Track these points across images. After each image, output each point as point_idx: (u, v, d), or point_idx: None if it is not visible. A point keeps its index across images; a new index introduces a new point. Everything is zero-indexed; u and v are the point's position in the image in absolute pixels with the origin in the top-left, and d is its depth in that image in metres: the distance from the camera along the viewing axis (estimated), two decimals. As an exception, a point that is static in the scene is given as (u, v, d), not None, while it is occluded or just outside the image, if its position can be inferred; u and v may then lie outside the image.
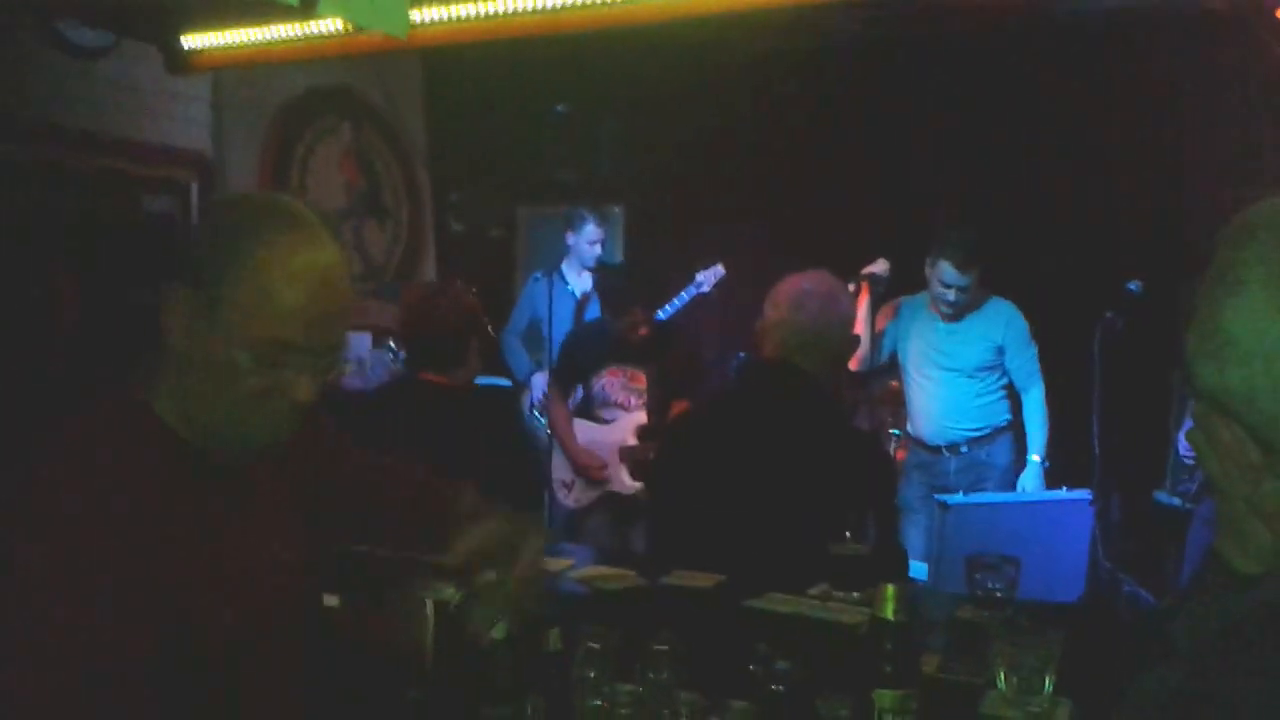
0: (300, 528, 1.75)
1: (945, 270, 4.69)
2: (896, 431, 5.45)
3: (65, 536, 1.39)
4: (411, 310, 3.55)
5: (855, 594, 2.37)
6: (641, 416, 5.29)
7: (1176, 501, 4.87)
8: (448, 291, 3.41)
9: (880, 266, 4.80)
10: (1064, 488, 4.42)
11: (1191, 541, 4.74)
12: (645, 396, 5.31)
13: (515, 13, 3.62)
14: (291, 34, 4.08)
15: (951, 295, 4.71)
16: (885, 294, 4.86)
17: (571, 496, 5.37)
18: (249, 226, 1.50)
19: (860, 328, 4.69)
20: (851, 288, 4.72)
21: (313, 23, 3.92)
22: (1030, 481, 4.73)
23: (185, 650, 1.46)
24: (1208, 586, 1.14)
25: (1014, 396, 4.87)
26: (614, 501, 5.36)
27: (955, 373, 4.81)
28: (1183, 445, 4.80)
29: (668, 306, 5.77)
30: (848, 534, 2.45)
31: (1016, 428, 4.87)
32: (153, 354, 1.54)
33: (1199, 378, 1.09)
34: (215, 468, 1.57)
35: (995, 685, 1.89)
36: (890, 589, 1.74)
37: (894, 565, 2.65)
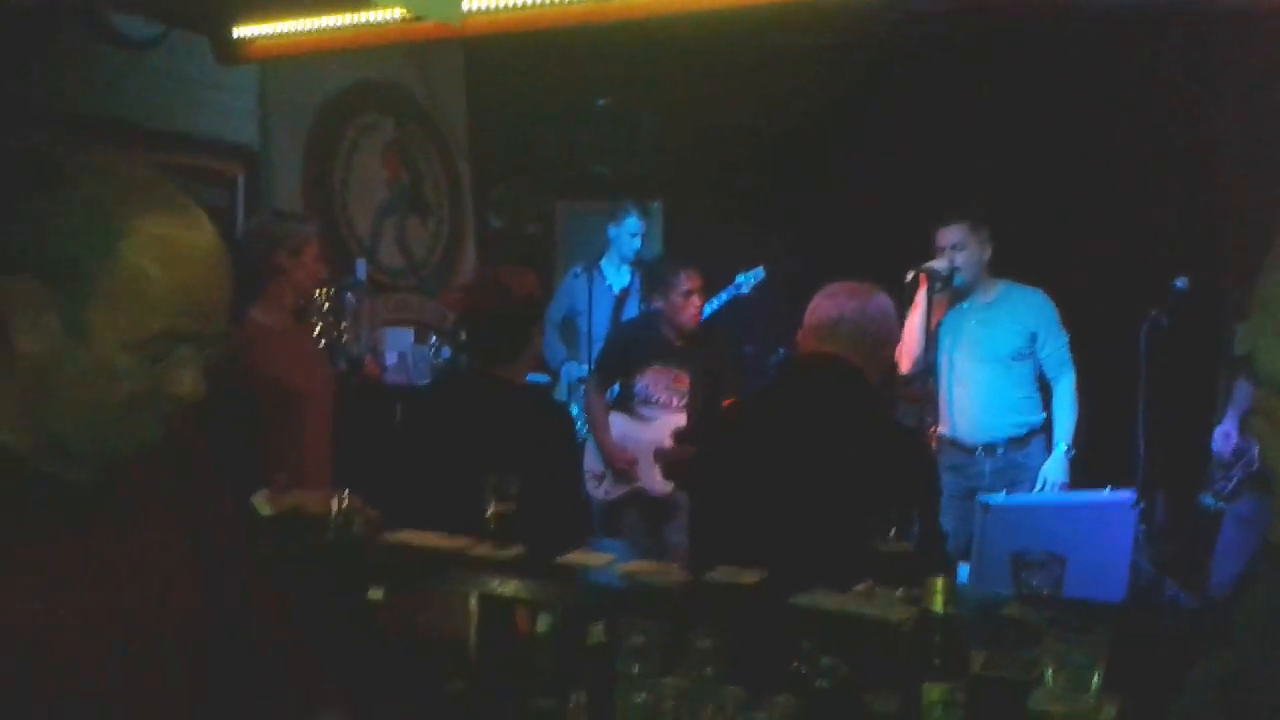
0: (178, 554, 1.46)
1: (937, 233, 4.74)
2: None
3: None
4: (471, 300, 3.46)
5: (899, 591, 2.36)
6: (680, 418, 5.29)
7: (1210, 501, 4.82)
8: (506, 279, 3.33)
9: (940, 262, 4.74)
10: (1108, 489, 4.36)
11: (1223, 540, 4.69)
12: (687, 398, 5.31)
13: (562, 2, 3.62)
14: (342, 23, 4.10)
15: (945, 261, 4.71)
16: (944, 290, 4.80)
17: (602, 488, 5.39)
18: (115, 207, 1.27)
19: (915, 324, 4.65)
20: (909, 276, 4.68)
21: (363, 13, 3.94)
22: (1054, 471, 4.67)
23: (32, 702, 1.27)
24: (1264, 576, 1.13)
25: (1046, 395, 4.82)
26: (645, 498, 5.37)
27: (991, 362, 4.76)
28: (1218, 441, 4.75)
29: (706, 306, 5.77)
30: (892, 530, 2.44)
31: (1050, 429, 4.82)
32: None
33: (1261, 360, 1.08)
34: (62, 485, 1.34)
35: (1043, 682, 1.87)
36: (939, 582, 1.74)
37: (939, 562, 2.64)
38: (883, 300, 3.04)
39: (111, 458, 1.37)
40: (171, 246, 1.28)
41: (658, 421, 5.33)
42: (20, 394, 1.31)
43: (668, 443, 5.29)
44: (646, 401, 5.37)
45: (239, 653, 1.54)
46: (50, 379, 1.29)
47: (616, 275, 6.31)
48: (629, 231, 6.21)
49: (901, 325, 4.51)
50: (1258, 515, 4.58)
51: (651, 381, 5.34)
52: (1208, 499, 4.83)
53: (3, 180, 1.31)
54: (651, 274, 5.65)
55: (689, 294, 5.19)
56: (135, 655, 1.37)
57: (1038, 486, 4.68)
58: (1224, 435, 4.75)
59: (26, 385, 1.30)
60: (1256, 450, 4.47)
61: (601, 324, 6.10)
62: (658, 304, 5.32)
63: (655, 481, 5.32)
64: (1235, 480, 4.71)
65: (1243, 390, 4.69)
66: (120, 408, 1.31)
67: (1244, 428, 4.64)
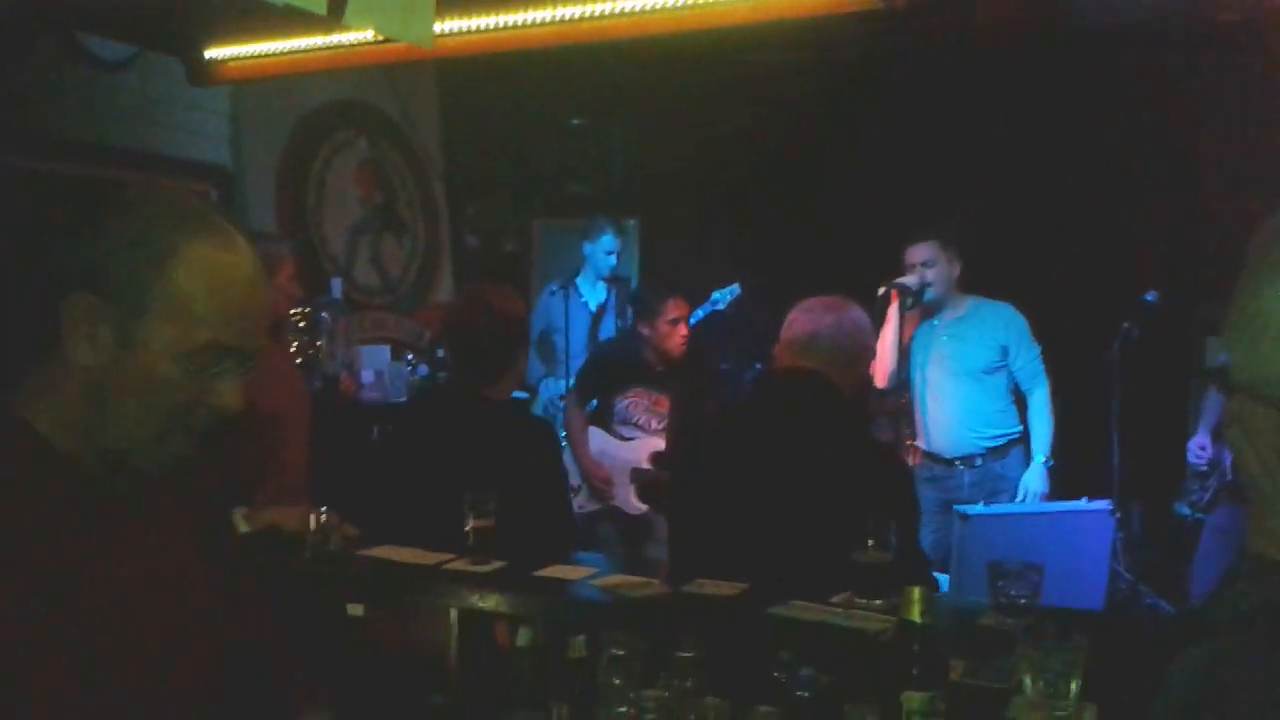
0: (203, 552, 1.59)
1: (906, 250, 4.76)
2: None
3: None
4: (456, 319, 3.42)
5: (878, 601, 2.37)
6: (659, 441, 5.29)
7: (1186, 511, 4.85)
8: (493, 299, 3.29)
9: (911, 278, 4.77)
10: (1084, 498, 4.39)
11: (1203, 550, 4.73)
12: (666, 421, 5.32)
13: (533, 23, 3.64)
14: (314, 45, 4.10)
15: (916, 277, 4.73)
16: (914, 306, 4.83)
17: (575, 502, 5.39)
18: (166, 232, 1.41)
19: (888, 340, 4.67)
20: (880, 291, 4.71)
21: (335, 35, 3.95)
22: (1033, 482, 4.70)
23: (72, 685, 1.36)
24: (1243, 575, 1.14)
25: (1022, 406, 4.85)
26: (620, 516, 5.38)
27: (964, 377, 4.79)
28: (1193, 453, 4.80)
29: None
30: (870, 542, 2.45)
31: (1027, 439, 4.85)
32: (37, 369, 1.43)
33: (1236, 365, 1.10)
34: (105, 491, 1.45)
35: (1021, 690, 1.88)
36: (916, 592, 1.75)
37: (917, 573, 2.65)
38: (858, 315, 3.05)
39: (153, 470, 1.47)
40: (215, 268, 1.43)
41: (636, 443, 5.34)
42: (74, 405, 1.42)
43: (645, 464, 5.30)
44: (626, 422, 5.38)
45: (244, 664, 1.62)
46: (103, 389, 1.41)
47: (592, 292, 6.32)
48: (604, 249, 6.22)
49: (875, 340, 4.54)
50: (1234, 525, 4.62)
51: (632, 403, 5.35)
52: (1184, 510, 4.87)
53: (69, 206, 1.42)
54: (637, 300, 5.67)
55: (675, 322, 5.20)
56: (160, 664, 1.45)
57: (1018, 497, 4.71)
58: (1199, 447, 4.79)
59: (80, 397, 1.41)
60: (1230, 462, 4.53)
61: (578, 341, 6.11)
62: (643, 329, 5.32)
63: (630, 501, 5.33)
64: (1211, 491, 4.75)
65: (1212, 402, 4.74)
66: (166, 417, 1.43)
67: (1219, 438, 4.69)
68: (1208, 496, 4.75)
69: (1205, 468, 4.76)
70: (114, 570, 1.43)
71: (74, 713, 1.36)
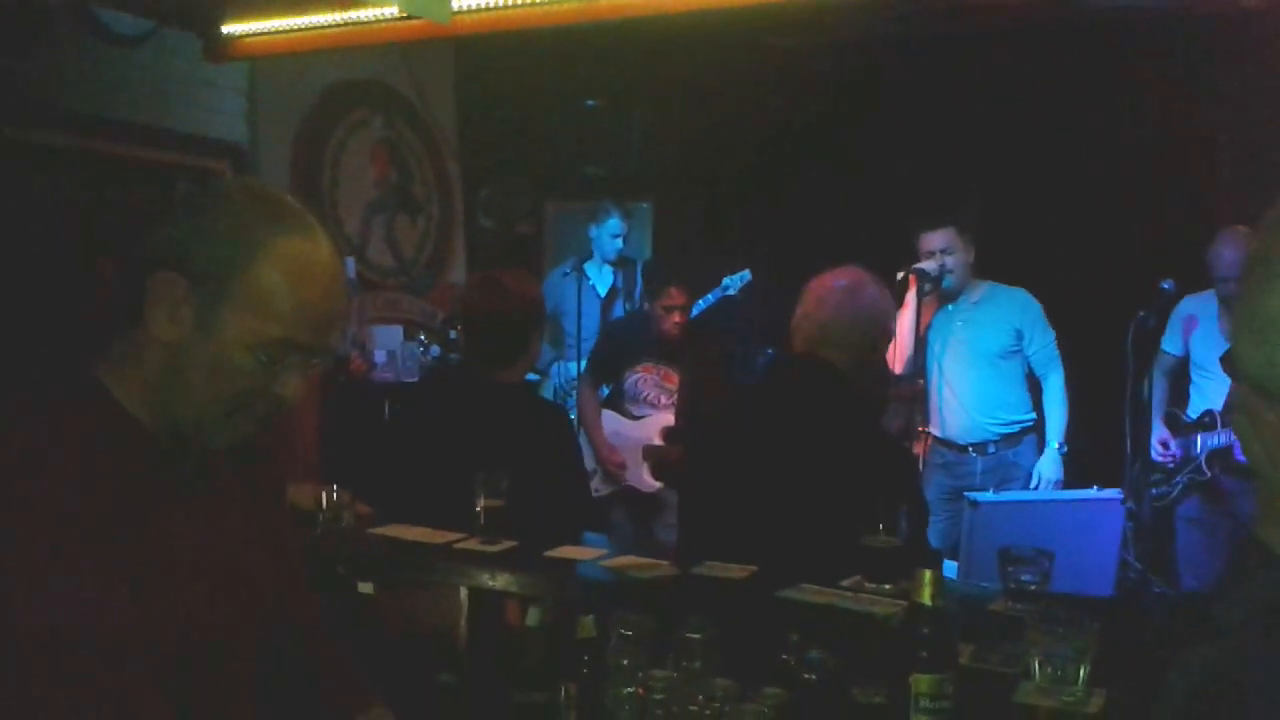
0: (260, 531, 1.66)
1: (922, 237, 4.74)
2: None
3: (10, 520, 1.35)
4: (471, 302, 3.40)
5: (887, 586, 2.37)
6: (669, 417, 5.32)
7: (1147, 512, 4.84)
8: (508, 282, 3.26)
9: (930, 263, 4.73)
10: (1095, 486, 4.37)
11: (1182, 542, 4.74)
12: (675, 396, 5.33)
13: (551, 1, 3.63)
14: (332, 21, 4.11)
15: (935, 263, 4.70)
16: (932, 291, 4.79)
17: (590, 485, 5.40)
18: (257, 225, 1.46)
19: (905, 325, 4.63)
20: (900, 276, 4.67)
21: (353, 11, 3.95)
22: (1048, 468, 4.69)
23: (132, 641, 1.40)
24: (1249, 568, 1.13)
25: (1036, 394, 4.83)
26: (634, 495, 5.39)
27: (980, 361, 4.76)
28: (1155, 450, 4.80)
29: (695, 306, 5.77)
30: (880, 526, 2.44)
31: (1041, 427, 4.83)
32: (121, 338, 1.49)
33: (1241, 361, 1.09)
34: (173, 458, 1.52)
35: (1029, 675, 1.88)
36: (927, 574, 1.75)
37: (927, 557, 2.64)
38: (874, 296, 3.00)
39: (218, 443, 1.53)
40: (300, 265, 1.47)
41: (647, 419, 5.36)
42: (148, 375, 1.48)
43: (657, 440, 5.31)
44: (636, 400, 5.40)
45: (291, 642, 1.72)
46: (176, 365, 1.46)
47: (600, 276, 6.33)
48: (610, 233, 6.23)
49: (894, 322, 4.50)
50: (1204, 515, 4.67)
51: (641, 379, 5.38)
52: (1146, 506, 4.85)
53: (166, 193, 1.47)
54: (645, 275, 5.72)
55: (670, 310, 5.26)
56: (215, 630, 1.52)
57: (1033, 484, 4.69)
58: (1160, 444, 4.80)
59: (155, 368, 1.47)
60: (1204, 458, 4.55)
61: (589, 326, 6.12)
62: (645, 305, 5.38)
63: (644, 479, 5.34)
64: (1179, 487, 4.76)
65: (1159, 390, 4.76)
66: (230, 400, 1.48)
67: (1176, 430, 4.73)
68: (1174, 493, 4.76)
69: (1172, 465, 4.77)
70: (177, 536, 1.49)
71: (137, 673, 1.40)
